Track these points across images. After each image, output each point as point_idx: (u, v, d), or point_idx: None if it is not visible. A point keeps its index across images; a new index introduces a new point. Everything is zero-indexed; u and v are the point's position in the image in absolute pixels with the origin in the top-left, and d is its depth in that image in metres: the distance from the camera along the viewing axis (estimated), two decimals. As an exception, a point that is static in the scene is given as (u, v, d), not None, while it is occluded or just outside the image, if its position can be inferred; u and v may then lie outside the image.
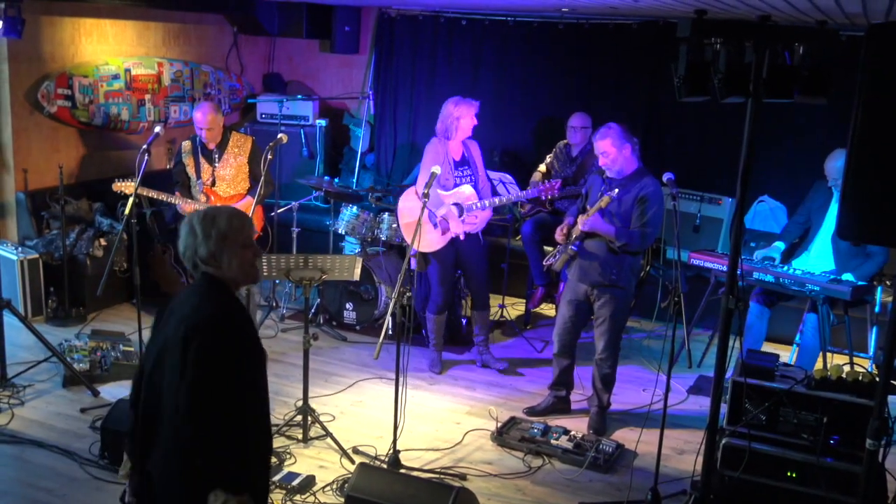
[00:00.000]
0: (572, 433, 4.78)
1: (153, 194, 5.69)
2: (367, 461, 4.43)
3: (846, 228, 2.74)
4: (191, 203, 5.68)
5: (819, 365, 5.11)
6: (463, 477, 4.40)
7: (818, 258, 5.36)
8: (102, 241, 6.51)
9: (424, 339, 5.98)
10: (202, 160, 5.75)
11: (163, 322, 2.63)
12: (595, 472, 4.51)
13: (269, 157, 5.07)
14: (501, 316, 6.66)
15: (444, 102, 5.46)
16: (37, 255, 6.32)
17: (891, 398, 2.92)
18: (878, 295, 5.54)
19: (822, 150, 5.41)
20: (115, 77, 6.95)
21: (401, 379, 4.34)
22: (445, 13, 7.88)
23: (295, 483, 4.14)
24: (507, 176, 6.95)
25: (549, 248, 5.66)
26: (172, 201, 5.71)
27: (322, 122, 8.13)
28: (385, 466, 4.36)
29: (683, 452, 4.76)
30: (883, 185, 2.63)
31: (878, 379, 3.19)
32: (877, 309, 5.60)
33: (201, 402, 2.42)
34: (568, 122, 6.62)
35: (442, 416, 5.13)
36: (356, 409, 5.19)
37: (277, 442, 4.57)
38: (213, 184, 5.74)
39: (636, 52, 7.24)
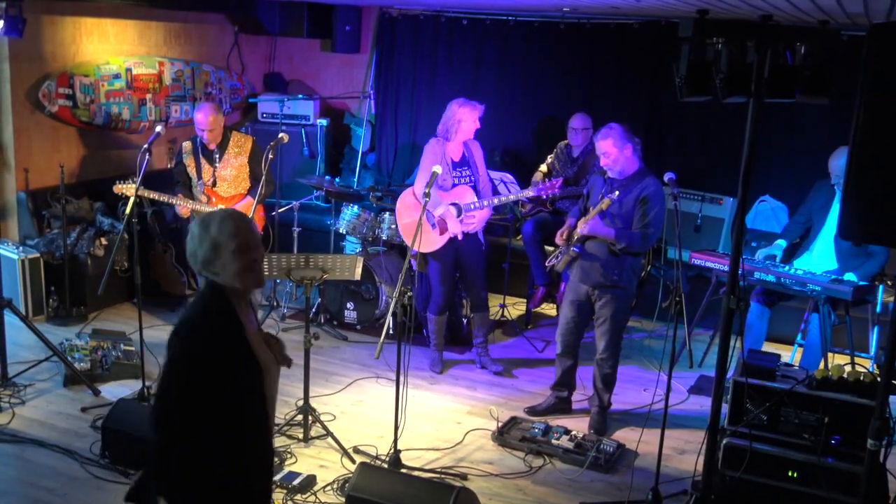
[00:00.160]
0: (573, 433, 4.78)
1: (154, 195, 5.69)
2: (367, 461, 4.43)
3: (847, 228, 2.74)
4: (188, 205, 5.68)
5: (820, 365, 5.10)
6: (464, 477, 4.40)
7: (821, 258, 5.35)
8: (103, 241, 6.51)
9: (425, 338, 5.98)
10: (203, 160, 5.75)
11: None
12: (596, 471, 4.51)
13: (270, 156, 5.07)
14: (502, 316, 6.66)
15: (450, 103, 5.46)
16: (38, 255, 6.32)
17: (892, 398, 2.91)
18: (880, 295, 5.54)
19: (823, 149, 5.41)
20: (116, 76, 6.95)
21: (401, 379, 4.34)
22: (447, 13, 7.88)
23: (296, 483, 4.14)
24: (508, 175, 6.95)
25: (550, 248, 5.67)
26: (173, 202, 5.71)
27: (323, 122, 8.13)
28: (386, 466, 4.36)
29: (684, 452, 4.76)
30: (884, 184, 2.62)
31: (879, 379, 3.19)
32: (878, 309, 5.59)
33: (162, 408, 2.40)
34: (569, 124, 6.62)
35: (443, 416, 5.13)
36: (357, 408, 5.19)
37: (278, 441, 4.57)
38: (214, 184, 5.74)
39: (637, 52, 7.23)
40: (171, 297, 6.85)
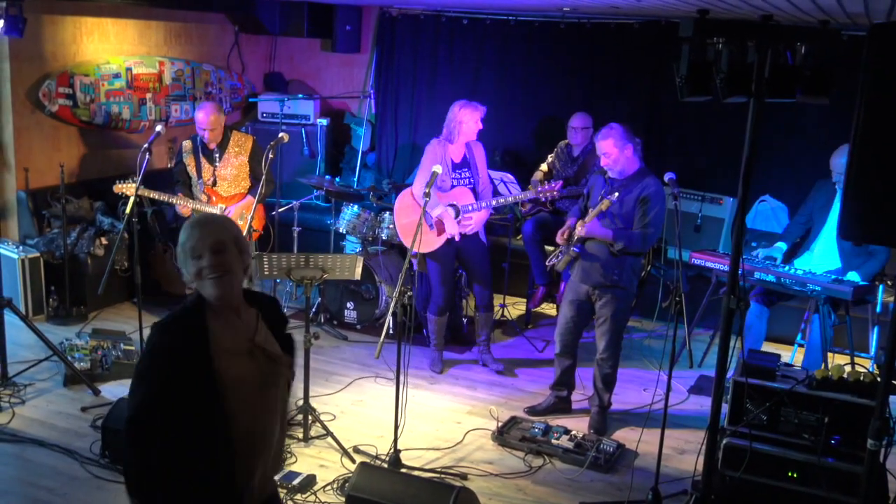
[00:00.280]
0: (573, 433, 4.78)
1: (154, 195, 5.69)
2: (367, 460, 4.43)
3: (847, 228, 2.74)
4: (189, 204, 5.68)
5: (821, 365, 5.11)
6: (464, 476, 4.40)
7: (823, 257, 5.35)
8: (103, 240, 6.51)
9: (425, 338, 5.98)
10: (203, 160, 5.75)
11: None
12: (596, 471, 4.51)
13: (271, 156, 5.07)
14: (502, 315, 6.66)
15: (452, 104, 5.47)
16: (38, 254, 6.32)
17: (892, 398, 2.91)
18: (880, 295, 5.54)
19: (823, 150, 5.41)
20: (117, 76, 6.95)
21: (401, 378, 4.34)
22: (447, 12, 7.88)
23: (295, 482, 4.14)
24: (508, 175, 6.95)
25: (550, 248, 5.67)
26: (173, 202, 5.71)
27: (323, 122, 8.13)
28: (386, 466, 4.36)
29: (684, 452, 4.76)
30: (885, 184, 2.62)
31: (879, 379, 3.19)
32: (878, 309, 5.59)
33: (128, 414, 2.38)
34: (568, 123, 6.62)
35: (443, 416, 5.13)
36: (357, 408, 5.19)
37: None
38: (214, 183, 5.74)
39: (638, 52, 7.23)
40: (171, 296, 6.84)
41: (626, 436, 4.89)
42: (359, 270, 4.76)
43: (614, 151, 4.70)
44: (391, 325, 4.31)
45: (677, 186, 4.55)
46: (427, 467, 4.47)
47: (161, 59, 7.40)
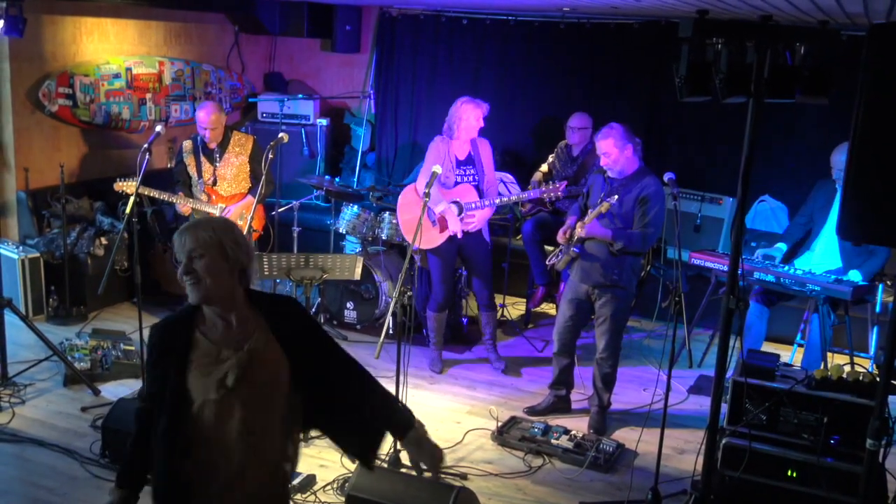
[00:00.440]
0: (573, 433, 4.79)
1: (155, 194, 5.69)
2: (367, 460, 4.43)
3: (847, 229, 2.74)
4: (189, 204, 5.68)
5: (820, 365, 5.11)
6: (463, 476, 4.41)
7: (823, 256, 5.35)
8: (103, 240, 6.52)
9: (425, 338, 5.98)
10: (203, 159, 5.75)
11: None
12: (595, 471, 4.51)
13: (270, 156, 5.08)
14: (502, 315, 6.66)
15: (455, 101, 5.48)
16: (38, 254, 6.32)
17: (891, 398, 2.92)
18: (879, 295, 5.54)
19: (823, 150, 5.42)
20: (116, 76, 6.95)
21: (401, 378, 4.34)
22: (447, 12, 7.88)
23: (295, 482, 4.14)
24: (508, 175, 6.96)
25: (550, 248, 5.67)
26: (173, 201, 5.72)
27: (323, 122, 8.14)
28: (386, 466, 4.36)
29: (684, 452, 4.76)
30: (884, 185, 2.62)
31: (878, 379, 3.20)
32: (877, 309, 5.60)
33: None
34: (567, 123, 6.62)
35: (442, 416, 5.14)
36: (357, 408, 5.19)
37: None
38: (215, 183, 5.74)
39: (638, 52, 7.24)
40: (171, 296, 6.84)
41: (625, 436, 4.89)
42: (358, 270, 4.77)
43: (614, 151, 4.70)
44: (391, 325, 4.31)
45: (677, 186, 4.56)
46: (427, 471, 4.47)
47: (161, 59, 7.41)
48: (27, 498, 4.07)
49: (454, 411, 5.21)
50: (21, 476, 4.26)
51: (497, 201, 5.51)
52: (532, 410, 5.16)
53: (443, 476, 4.08)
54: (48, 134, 6.68)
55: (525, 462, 4.60)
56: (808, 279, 5.07)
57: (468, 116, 5.36)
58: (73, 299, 6.40)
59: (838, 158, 5.12)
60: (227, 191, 5.76)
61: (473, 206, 5.41)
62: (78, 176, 6.92)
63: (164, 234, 6.88)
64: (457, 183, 5.45)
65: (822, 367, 4.69)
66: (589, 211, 4.82)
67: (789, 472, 3.80)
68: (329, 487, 4.23)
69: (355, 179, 8.32)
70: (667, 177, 4.62)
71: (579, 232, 4.77)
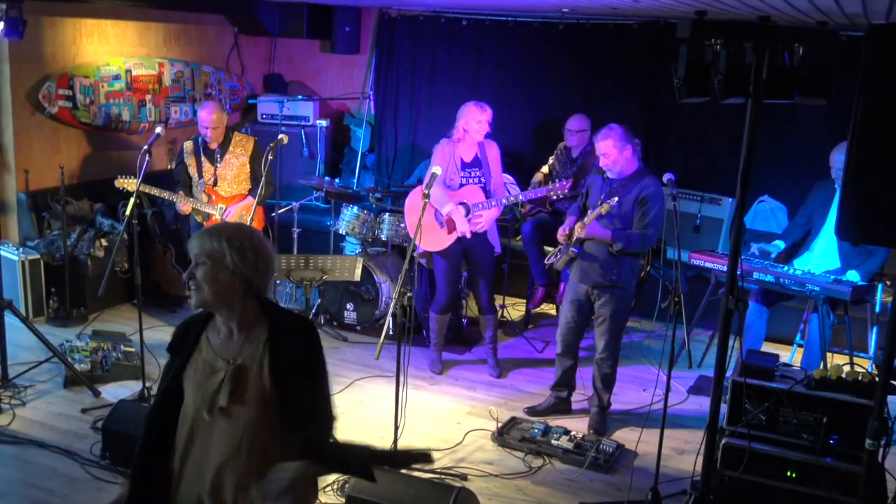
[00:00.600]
0: (573, 433, 4.79)
1: (155, 192, 5.70)
2: (367, 461, 4.43)
3: (845, 229, 2.75)
4: (189, 203, 5.68)
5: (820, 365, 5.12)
6: (464, 477, 4.41)
7: (822, 257, 5.36)
8: (103, 242, 6.52)
9: (425, 339, 5.98)
10: (204, 160, 5.76)
11: None
12: (595, 472, 4.51)
13: (270, 157, 5.08)
14: (502, 316, 6.66)
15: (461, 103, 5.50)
16: (38, 256, 6.32)
17: (890, 398, 2.92)
18: (879, 295, 5.55)
19: (822, 150, 5.42)
20: (116, 77, 6.96)
21: (401, 379, 4.34)
22: (446, 13, 7.89)
23: (296, 483, 4.13)
24: (508, 176, 6.96)
25: (550, 249, 5.67)
26: (173, 199, 5.72)
27: (323, 123, 8.14)
28: (386, 467, 4.36)
29: (684, 452, 4.77)
30: (883, 185, 2.63)
31: (877, 379, 3.20)
32: (877, 309, 5.60)
33: None
34: (565, 126, 6.63)
35: (442, 417, 5.14)
36: (357, 409, 5.20)
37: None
38: (215, 183, 5.74)
39: (637, 53, 7.24)
40: (171, 297, 6.85)
41: (625, 436, 4.90)
42: (358, 271, 4.77)
43: (613, 152, 4.71)
44: (391, 326, 4.32)
45: (676, 187, 4.56)
46: (427, 468, 4.48)
47: (161, 60, 7.41)
48: (27, 499, 4.07)
49: (454, 412, 5.21)
50: (21, 478, 4.26)
51: (504, 200, 5.50)
52: (532, 411, 5.16)
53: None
54: (48, 135, 6.68)
55: (525, 463, 4.61)
56: (807, 279, 5.08)
57: (470, 119, 5.36)
58: (74, 301, 6.40)
59: (838, 158, 5.12)
60: (228, 191, 5.77)
61: (481, 206, 5.40)
62: (78, 177, 6.93)
63: (164, 236, 6.88)
64: (462, 185, 5.44)
65: (821, 367, 4.70)
66: (588, 211, 4.82)
67: (789, 473, 3.80)
68: (329, 488, 4.23)
69: (355, 180, 8.32)
70: (666, 177, 4.63)
71: (579, 232, 4.78)
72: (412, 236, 5.54)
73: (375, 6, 8.09)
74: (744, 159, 3.09)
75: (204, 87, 7.83)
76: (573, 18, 7.40)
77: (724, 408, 3.85)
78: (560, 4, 6.20)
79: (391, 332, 4.30)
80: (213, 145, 5.75)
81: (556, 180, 6.44)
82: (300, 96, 8.18)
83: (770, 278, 5.22)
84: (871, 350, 5.64)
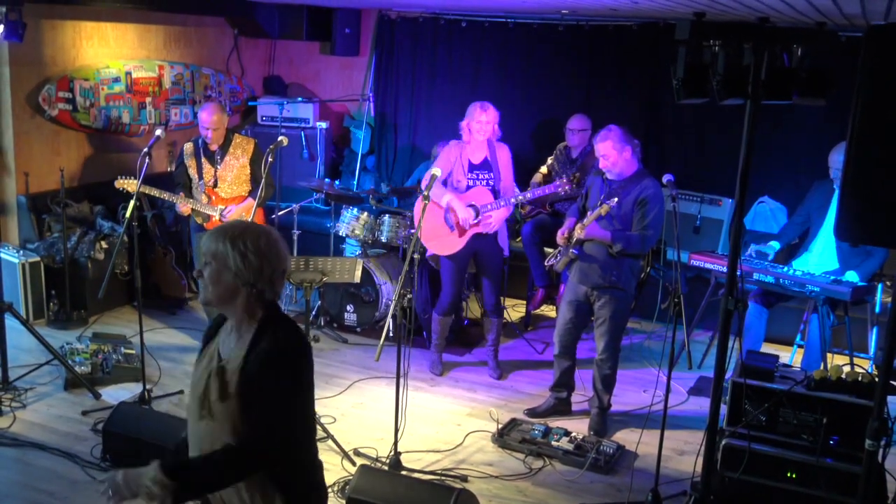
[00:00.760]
0: (573, 434, 4.79)
1: (155, 193, 5.70)
2: (368, 463, 4.44)
3: (844, 230, 2.74)
4: (189, 204, 5.69)
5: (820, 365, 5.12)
6: (464, 478, 4.41)
7: (821, 257, 5.36)
8: (104, 244, 6.52)
9: (425, 340, 5.99)
10: (204, 161, 5.76)
11: None
12: (596, 473, 4.51)
13: (270, 159, 5.08)
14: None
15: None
16: (38, 258, 6.33)
17: (890, 399, 2.92)
18: (878, 295, 5.55)
19: (822, 150, 5.42)
20: (116, 80, 6.96)
21: (401, 381, 4.35)
22: (445, 15, 7.89)
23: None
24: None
25: (550, 250, 5.67)
26: (173, 200, 5.72)
27: (322, 125, 8.14)
28: (386, 468, 4.37)
29: (684, 453, 4.77)
30: (882, 186, 2.63)
31: (877, 379, 3.20)
32: (877, 309, 5.60)
33: None
34: (567, 125, 6.63)
35: (443, 418, 5.14)
36: (357, 410, 5.20)
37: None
38: (215, 184, 5.75)
39: (637, 54, 7.24)
40: (171, 300, 6.86)
41: (625, 437, 4.90)
42: (358, 273, 4.77)
43: (613, 153, 4.71)
44: (391, 328, 4.32)
45: (676, 188, 4.56)
46: (427, 469, 4.48)
47: (160, 62, 7.42)
48: (28, 502, 4.08)
49: (454, 413, 5.21)
50: (22, 480, 4.26)
51: (513, 200, 5.47)
52: (532, 412, 5.16)
53: None
54: (48, 138, 6.69)
55: (525, 464, 4.61)
56: (807, 280, 5.08)
57: (472, 119, 5.35)
58: (74, 303, 6.41)
59: (836, 158, 5.12)
60: (228, 192, 5.77)
61: (490, 206, 5.38)
62: (78, 180, 6.93)
63: (165, 238, 6.89)
64: (469, 186, 5.43)
65: (821, 367, 4.70)
66: (588, 212, 4.82)
67: (789, 473, 3.80)
68: (329, 490, 4.23)
69: (355, 182, 8.33)
70: (666, 178, 4.63)
71: (578, 233, 4.78)
72: (424, 242, 5.54)
73: (375, 8, 8.10)
74: (743, 160, 3.09)
75: (204, 90, 7.84)
76: (573, 20, 7.41)
77: (724, 409, 3.85)
78: (559, 6, 6.20)
79: (391, 334, 4.30)
80: (214, 147, 5.75)
81: (557, 181, 6.43)
82: (300, 98, 8.18)
83: (770, 279, 5.22)
84: (871, 350, 5.64)
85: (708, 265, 5.70)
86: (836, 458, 3.72)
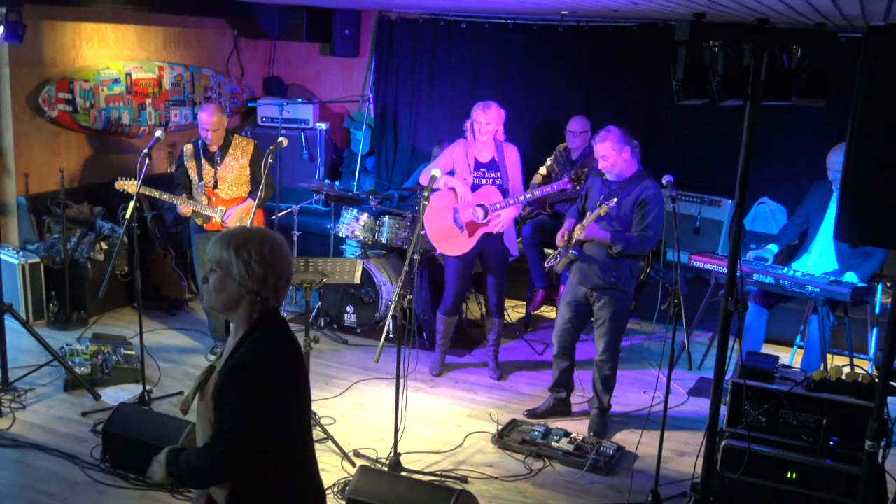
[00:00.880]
0: (573, 435, 4.79)
1: (155, 194, 5.70)
2: (368, 464, 4.44)
3: (844, 231, 2.75)
4: (189, 205, 5.69)
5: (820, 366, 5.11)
6: (464, 479, 4.41)
7: (820, 258, 5.36)
8: (103, 245, 6.52)
9: (425, 342, 5.98)
10: (204, 162, 5.76)
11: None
12: (596, 474, 4.51)
13: (270, 160, 5.09)
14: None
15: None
16: (38, 259, 6.32)
17: (890, 400, 2.92)
18: (878, 296, 5.55)
19: (822, 151, 5.42)
20: (116, 81, 6.97)
21: (401, 382, 4.34)
22: (445, 16, 7.90)
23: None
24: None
25: (550, 251, 5.67)
26: (174, 201, 5.72)
27: (322, 126, 8.14)
28: (386, 469, 4.37)
29: (684, 454, 4.77)
30: (882, 187, 2.63)
31: (877, 380, 3.20)
32: (877, 310, 5.60)
33: None
34: (567, 127, 6.63)
35: (443, 419, 5.14)
36: (357, 411, 5.20)
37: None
38: (215, 185, 5.75)
39: (636, 55, 7.24)
40: (171, 301, 6.86)
41: (625, 438, 4.90)
42: (358, 274, 4.76)
43: (612, 154, 4.71)
44: (391, 329, 4.32)
45: (675, 189, 4.57)
46: (427, 470, 4.48)
47: (160, 63, 7.42)
48: (27, 503, 4.07)
49: (454, 414, 5.21)
50: (21, 481, 4.26)
51: (522, 198, 5.45)
52: (532, 413, 5.16)
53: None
54: (48, 139, 6.69)
55: (525, 465, 4.61)
56: (807, 281, 5.08)
57: (474, 118, 5.36)
58: (74, 304, 6.41)
59: (834, 159, 5.13)
60: (228, 193, 5.77)
61: (498, 205, 5.37)
62: (78, 181, 6.93)
63: (164, 239, 6.89)
64: (475, 184, 5.42)
65: (821, 368, 4.70)
66: (587, 213, 4.82)
67: (789, 474, 3.80)
68: (329, 491, 4.22)
69: (355, 183, 8.33)
70: (666, 179, 4.63)
71: (578, 234, 4.78)
72: (434, 243, 5.54)
73: (375, 9, 8.10)
74: (743, 161, 3.09)
75: (204, 91, 7.84)
76: (573, 21, 7.41)
77: (724, 409, 3.85)
78: (559, 7, 6.20)
79: (391, 335, 4.30)
80: (214, 148, 5.75)
81: (567, 176, 6.43)
82: (300, 99, 8.18)
83: (770, 280, 5.22)
84: (871, 351, 5.64)
85: (708, 266, 5.70)
86: (836, 459, 3.72)
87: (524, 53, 7.67)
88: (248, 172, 5.82)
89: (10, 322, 5.23)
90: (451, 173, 5.41)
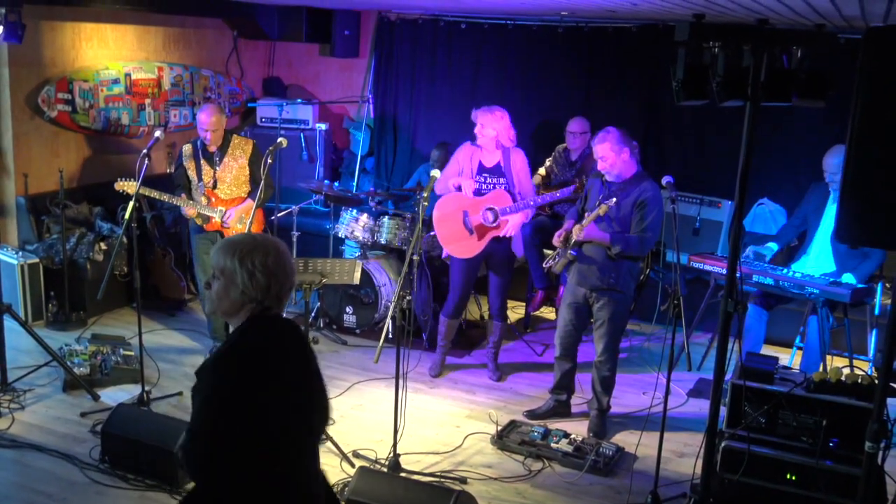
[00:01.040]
0: (572, 436, 4.79)
1: (156, 195, 5.70)
2: (367, 465, 4.43)
3: (844, 232, 2.75)
4: (192, 206, 5.68)
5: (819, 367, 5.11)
6: (463, 480, 4.41)
7: (818, 259, 5.36)
8: (103, 245, 6.52)
9: (424, 343, 5.98)
10: (203, 162, 5.76)
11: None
12: (595, 475, 4.51)
13: (269, 160, 5.08)
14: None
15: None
16: (37, 260, 6.32)
17: (890, 401, 2.92)
18: (878, 297, 5.54)
19: (820, 152, 5.42)
20: (116, 81, 6.96)
21: (401, 382, 4.34)
22: (445, 17, 7.90)
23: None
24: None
25: (549, 252, 5.66)
26: (175, 202, 5.72)
27: (322, 126, 8.14)
28: (385, 470, 4.36)
29: (683, 455, 4.76)
30: (881, 188, 2.63)
31: (877, 381, 3.20)
32: (876, 311, 5.60)
33: None
34: (567, 128, 6.63)
35: (442, 420, 5.14)
36: (356, 412, 5.20)
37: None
38: (215, 186, 5.74)
39: (636, 56, 7.24)
40: (170, 301, 6.86)
41: (625, 439, 4.89)
42: (358, 275, 4.76)
43: (611, 155, 4.70)
44: (390, 330, 4.32)
45: (675, 190, 4.56)
46: (426, 471, 4.48)
47: (160, 64, 7.42)
48: (26, 503, 4.07)
49: (454, 415, 5.21)
50: (20, 482, 4.26)
51: (531, 201, 5.44)
52: (532, 414, 5.16)
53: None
54: (47, 139, 6.69)
55: (525, 466, 4.60)
56: (806, 282, 5.08)
57: (482, 124, 5.35)
58: (73, 304, 6.40)
59: (830, 161, 5.13)
60: (227, 194, 5.77)
61: (508, 210, 5.36)
62: (77, 181, 6.93)
63: (164, 240, 6.89)
64: (476, 189, 5.41)
65: (820, 369, 4.69)
66: (586, 214, 4.82)
67: (788, 475, 3.80)
68: (328, 492, 4.22)
69: (354, 184, 8.33)
70: (665, 180, 4.63)
71: (577, 234, 4.77)
72: (444, 246, 5.53)
73: (374, 9, 8.10)
74: (742, 162, 3.09)
75: (203, 91, 7.84)
76: (572, 21, 7.41)
77: (723, 411, 3.85)
78: (559, 7, 6.20)
79: (391, 336, 4.30)
80: (213, 148, 5.75)
81: (554, 183, 6.44)
82: (299, 100, 8.18)
83: (769, 281, 5.22)
84: (871, 352, 5.63)
85: (707, 267, 5.70)
86: (835, 461, 3.72)
87: (524, 54, 7.67)
88: (248, 173, 5.82)
89: (9, 322, 5.23)
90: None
